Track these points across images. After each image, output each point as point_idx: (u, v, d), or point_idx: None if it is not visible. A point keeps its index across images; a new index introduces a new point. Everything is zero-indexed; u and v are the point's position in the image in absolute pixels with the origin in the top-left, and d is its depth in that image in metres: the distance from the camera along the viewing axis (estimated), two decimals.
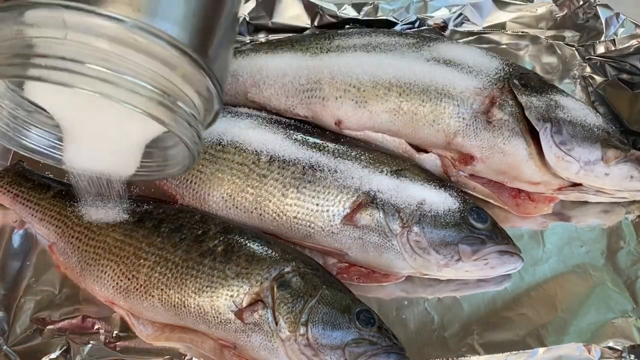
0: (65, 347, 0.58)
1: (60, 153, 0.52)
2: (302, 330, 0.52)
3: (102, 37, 0.39)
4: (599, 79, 0.78)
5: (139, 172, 0.53)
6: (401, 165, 0.63)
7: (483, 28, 0.84)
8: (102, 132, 0.48)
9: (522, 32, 0.84)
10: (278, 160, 0.62)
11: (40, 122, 0.51)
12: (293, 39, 0.75)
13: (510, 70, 0.68)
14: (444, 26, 0.83)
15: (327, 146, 0.64)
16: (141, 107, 0.40)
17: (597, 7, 0.79)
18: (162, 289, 0.55)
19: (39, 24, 0.39)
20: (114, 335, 0.59)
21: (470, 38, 0.84)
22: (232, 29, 0.47)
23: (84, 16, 0.38)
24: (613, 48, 0.78)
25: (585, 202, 0.67)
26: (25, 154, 0.53)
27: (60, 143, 0.52)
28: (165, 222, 0.59)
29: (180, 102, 0.42)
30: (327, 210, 0.60)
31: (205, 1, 0.42)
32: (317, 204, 0.60)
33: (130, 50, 0.39)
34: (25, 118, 0.51)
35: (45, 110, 0.49)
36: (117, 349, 0.59)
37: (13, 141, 0.52)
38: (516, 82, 0.66)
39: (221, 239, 0.57)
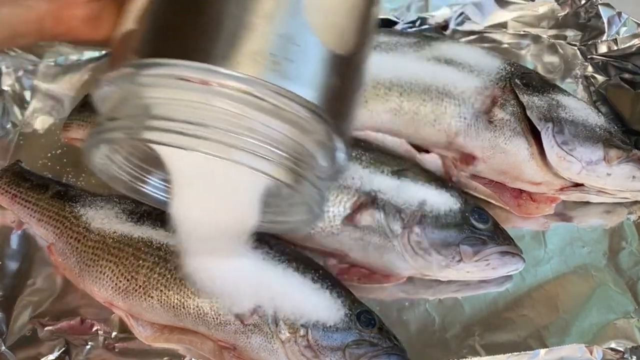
0: (63, 349, 0.58)
1: (167, 195, 0.51)
2: (302, 331, 0.52)
3: (231, 100, 0.36)
4: (601, 78, 0.78)
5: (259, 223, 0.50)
6: (402, 165, 0.62)
7: (484, 27, 0.83)
8: (215, 181, 0.45)
9: (524, 31, 0.83)
10: None
11: (156, 168, 0.49)
12: None
13: (512, 69, 0.67)
14: (445, 25, 0.83)
15: None
16: (269, 172, 0.38)
17: (599, 6, 0.79)
18: (161, 290, 0.55)
19: (165, 85, 0.37)
20: (112, 336, 0.59)
21: (472, 37, 0.83)
22: (363, 83, 0.44)
23: (211, 77, 0.36)
24: (615, 47, 0.77)
25: (587, 203, 0.67)
26: (143, 201, 0.52)
27: (168, 185, 0.50)
28: (165, 223, 0.59)
29: (308, 166, 0.40)
30: (328, 211, 0.59)
31: (340, 61, 0.39)
32: None
33: (261, 114, 0.37)
34: (140, 164, 0.49)
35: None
36: (116, 350, 0.58)
37: (128, 187, 0.50)
38: (518, 81, 0.66)
39: None
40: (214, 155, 0.37)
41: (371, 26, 0.44)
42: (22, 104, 0.76)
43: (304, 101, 0.37)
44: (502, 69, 0.67)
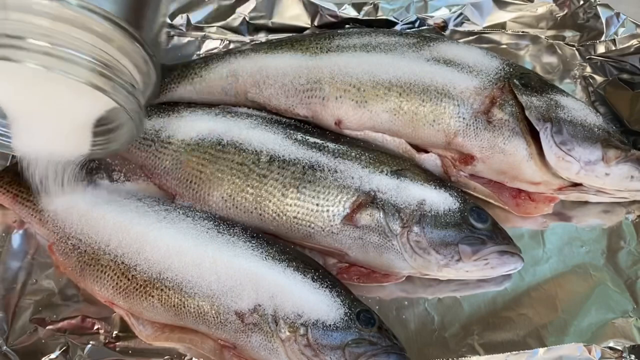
0: (64, 348, 0.58)
1: (9, 140, 0.55)
2: (302, 330, 0.52)
3: (42, 15, 0.42)
4: (599, 78, 0.78)
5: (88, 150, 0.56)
6: (401, 165, 0.63)
7: (483, 28, 0.84)
8: (47, 113, 0.50)
9: (523, 31, 0.84)
10: (278, 160, 0.62)
11: None
12: (293, 38, 0.75)
13: (511, 70, 0.68)
14: (444, 26, 0.83)
15: (327, 146, 0.64)
16: (83, 77, 0.44)
17: (598, 6, 0.79)
18: (161, 289, 0.55)
19: None
20: (113, 335, 0.59)
21: (471, 38, 0.83)
22: (162, 3, 0.50)
23: None
24: (613, 48, 0.78)
25: (586, 202, 0.67)
26: None
27: (8, 130, 0.54)
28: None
29: (118, 72, 0.46)
30: (327, 210, 0.59)
31: None
32: (317, 204, 0.60)
33: (69, 26, 0.42)
34: None
35: None
36: (117, 349, 0.59)
37: None
38: (516, 82, 0.66)
39: None
40: (29, 64, 0.42)
41: None
42: None
43: (99, 9, 0.42)
44: (500, 70, 0.67)
